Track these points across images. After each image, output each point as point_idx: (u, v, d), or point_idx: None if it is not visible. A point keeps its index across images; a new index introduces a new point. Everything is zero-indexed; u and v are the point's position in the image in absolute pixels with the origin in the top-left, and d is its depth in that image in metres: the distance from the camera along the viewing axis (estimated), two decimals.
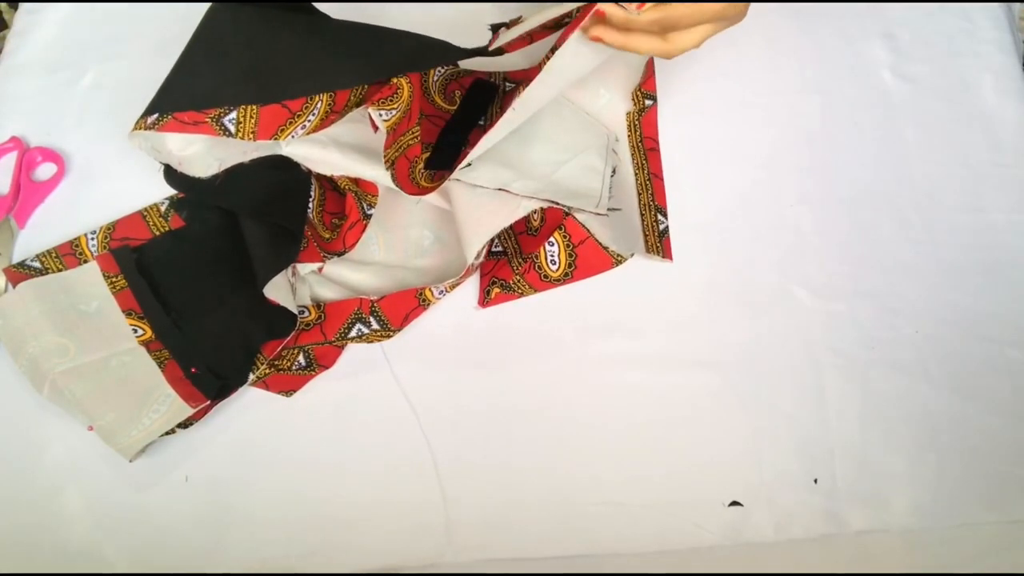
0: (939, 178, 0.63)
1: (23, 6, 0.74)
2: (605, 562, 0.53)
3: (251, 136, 0.52)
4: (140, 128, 0.53)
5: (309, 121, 0.53)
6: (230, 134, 0.52)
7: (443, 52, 0.56)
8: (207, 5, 0.71)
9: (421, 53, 0.56)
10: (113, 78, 0.69)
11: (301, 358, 0.58)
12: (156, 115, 0.53)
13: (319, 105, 0.53)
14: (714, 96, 0.66)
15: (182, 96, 0.53)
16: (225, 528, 0.54)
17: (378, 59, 0.55)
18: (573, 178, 0.60)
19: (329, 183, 0.62)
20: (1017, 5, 0.72)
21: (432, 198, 0.60)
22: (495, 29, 0.60)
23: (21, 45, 0.71)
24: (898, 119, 0.65)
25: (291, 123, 0.53)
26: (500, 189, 0.57)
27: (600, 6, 0.48)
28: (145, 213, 0.62)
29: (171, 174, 0.57)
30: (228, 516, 0.54)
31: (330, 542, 0.53)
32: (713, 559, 0.53)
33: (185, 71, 0.55)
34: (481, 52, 0.57)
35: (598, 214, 0.58)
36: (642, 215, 0.61)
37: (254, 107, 0.52)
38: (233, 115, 0.52)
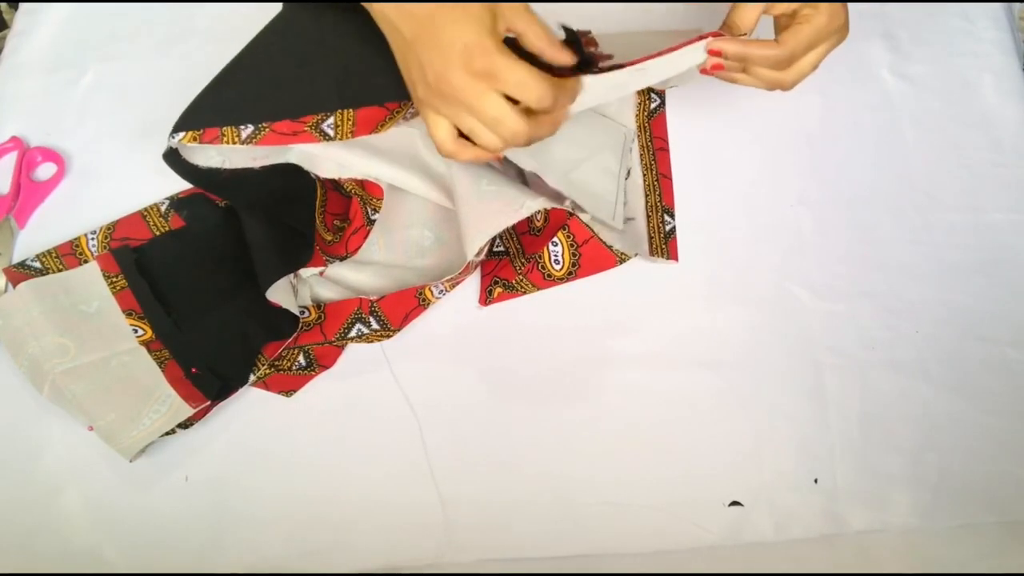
0: (939, 178, 0.63)
1: (23, 6, 0.74)
2: (605, 562, 0.53)
3: (349, 135, 0.53)
4: (234, 142, 0.52)
5: (411, 112, 0.54)
6: (329, 138, 0.53)
7: None
8: (206, 5, 0.71)
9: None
10: (113, 78, 0.69)
11: (301, 358, 0.58)
12: (251, 128, 0.52)
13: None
14: (714, 96, 0.66)
15: (272, 105, 0.53)
16: (225, 528, 0.54)
17: None
18: (589, 178, 0.61)
19: (331, 183, 0.62)
20: (1017, 5, 0.72)
21: (432, 195, 0.60)
22: (570, 32, 0.57)
23: (21, 45, 0.71)
24: (898, 119, 0.65)
25: (390, 119, 0.54)
26: (532, 172, 0.58)
27: (714, 43, 0.49)
28: (145, 213, 0.62)
29: (174, 159, 0.56)
30: (228, 516, 0.54)
31: (330, 542, 0.54)
32: (713, 559, 0.53)
33: (259, 79, 0.54)
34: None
35: (614, 228, 0.59)
36: (648, 216, 0.61)
37: (351, 111, 0.53)
38: (331, 120, 0.53)
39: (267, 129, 0.52)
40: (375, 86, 0.53)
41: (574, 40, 0.55)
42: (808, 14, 0.50)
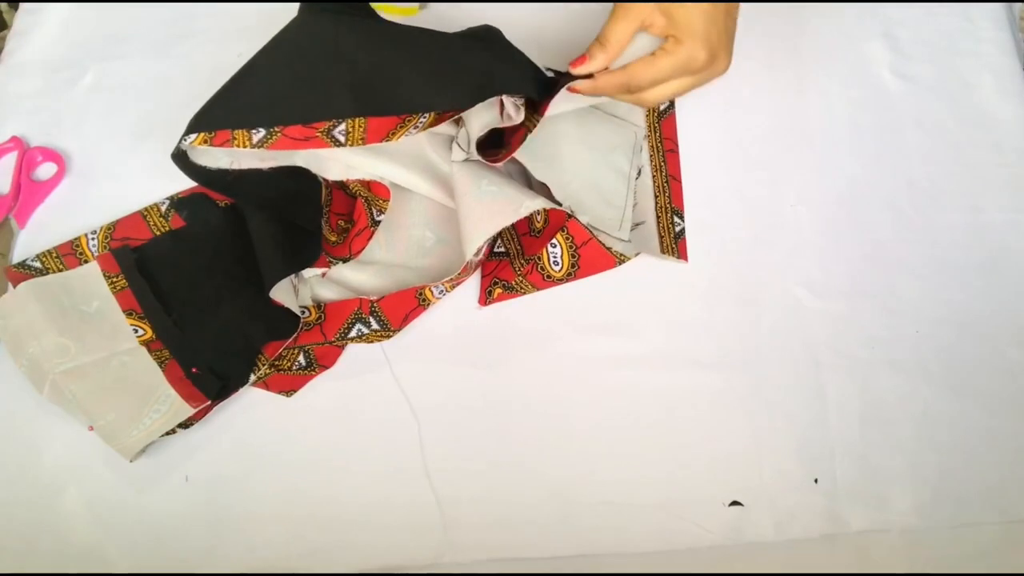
0: (939, 178, 0.63)
1: (23, 6, 0.74)
2: (605, 562, 0.53)
3: (360, 142, 0.53)
4: (245, 145, 0.52)
5: (421, 122, 0.54)
6: (340, 144, 0.53)
7: (545, 84, 0.56)
8: (206, 5, 0.71)
9: (523, 79, 0.55)
10: (113, 78, 0.69)
11: (301, 358, 0.58)
12: (263, 132, 0.52)
13: (426, 115, 0.54)
14: (714, 96, 0.66)
15: (285, 110, 0.53)
16: (225, 528, 0.54)
17: (479, 81, 0.54)
18: (599, 179, 0.61)
19: (336, 183, 0.62)
20: (1017, 5, 0.72)
21: (437, 195, 0.60)
22: (559, 75, 0.57)
23: (21, 45, 0.71)
24: (898, 119, 0.65)
25: (401, 128, 0.54)
26: (540, 182, 0.59)
27: (573, 85, 0.53)
28: (145, 213, 0.62)
29: (182, 160, 0.55)
30: (228, 516, 0.54)
31: (330, 542, 0.54)
32: (713, 559, 0.53)
33: (272, 83, 0.53)
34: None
35: (620, 240, 0.59)
36: (658, 217, 0.61)
37: (362, 119, 0.53)
38: (343, 126, 0.53)
39: (279, 133, 0.52)
40: (390, 95, 0.53)
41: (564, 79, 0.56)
42: (668, 48, 0.50)
